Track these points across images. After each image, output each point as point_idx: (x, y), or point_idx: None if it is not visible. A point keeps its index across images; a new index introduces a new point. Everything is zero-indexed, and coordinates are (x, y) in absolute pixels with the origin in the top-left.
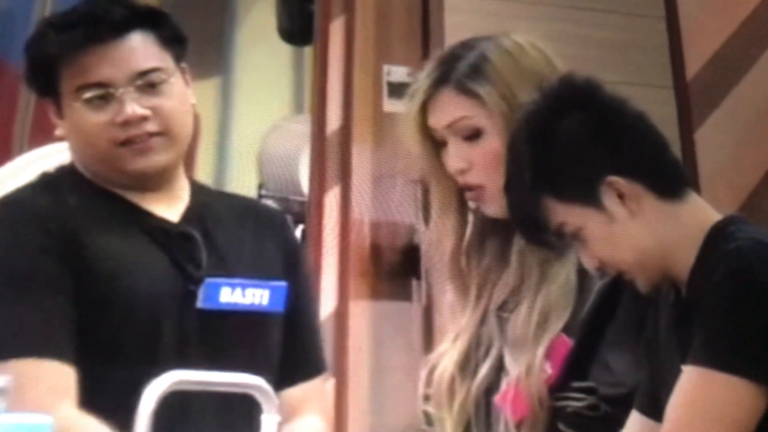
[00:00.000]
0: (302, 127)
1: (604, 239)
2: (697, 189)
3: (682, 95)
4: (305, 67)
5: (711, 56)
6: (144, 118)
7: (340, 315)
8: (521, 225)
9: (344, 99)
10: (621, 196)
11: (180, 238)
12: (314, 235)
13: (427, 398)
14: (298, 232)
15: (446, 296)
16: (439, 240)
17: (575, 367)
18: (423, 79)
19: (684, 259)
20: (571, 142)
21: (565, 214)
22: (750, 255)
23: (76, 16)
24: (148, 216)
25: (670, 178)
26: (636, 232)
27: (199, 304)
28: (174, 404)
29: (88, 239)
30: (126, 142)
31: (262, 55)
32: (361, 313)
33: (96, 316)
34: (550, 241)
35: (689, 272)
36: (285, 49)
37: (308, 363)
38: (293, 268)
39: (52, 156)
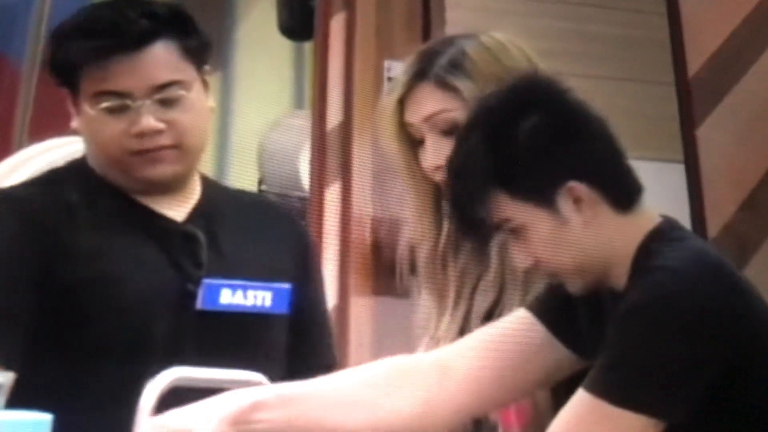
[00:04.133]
0: (303, 122)
1: (548, 241)
2: (699, 185)
3: (683, 92)
4: (306, 63)
5: (713, 53)
6: (159, 131)
7: (341, 311)
8: (458, 212)
9: (345, 95)
10: (577, 202)
11: (182, 238)
12: (315, 231)
13: None
14: None
15: (421, 300)
16: (413, 243)
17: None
18: (401, 74)
19: (621, 271)
20: (534, 140)
21: (513, 211)
22: (663, 287)
23: (102, 23)
24: (151, 214)
25: (627, 190)
26: (584, 240)
27: (199, 305)
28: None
29: (82, 238)
30: (138, 153)
31: (262, 50)
32: (362, 309)
33: (87, 316)
34: (482, 232)
35: (624, 290)
36: (285, 45)
37: (318, 361)
38: (303, 266)
39: (52, 151)
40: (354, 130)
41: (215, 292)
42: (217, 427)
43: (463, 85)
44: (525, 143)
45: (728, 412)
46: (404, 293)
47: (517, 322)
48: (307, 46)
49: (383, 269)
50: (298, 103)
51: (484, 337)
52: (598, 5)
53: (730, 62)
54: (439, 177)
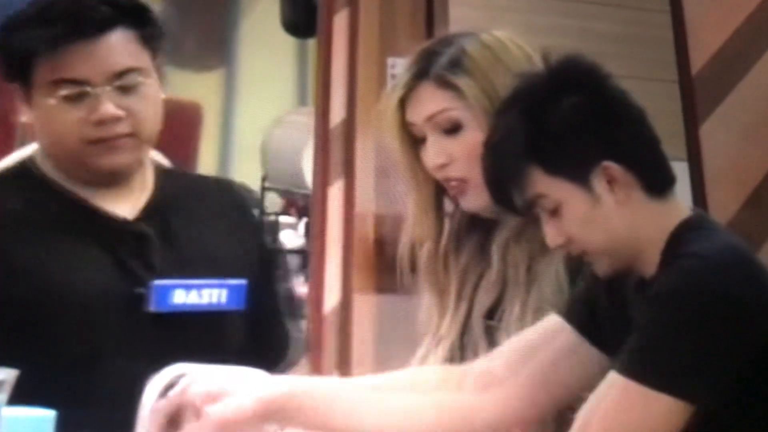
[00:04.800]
0: (306, 119)
1: (581, 220)
2: (702, 184)
3: (687, 90)
4: (309, 60)
5: (716, 51)
6: (118, 119)
7: (344, 308)
8: (494, 186)
9: (348, 91)
10: (611, 183)
11: (131, 238)
12: (318, 228)
13: None
14: (302, 225)
15: (423, 299)
16: (414, 243)
17: None
18: (402, 74)
19: (651, 258)
20: (573, 118)
21: (548, 187)
22: (696, 273)
23: (59, 11)
24: (98, 215)
25: (661, 177)
26: (616, 220)
27: (150, 306)
28: None
29: (23, 252)
30: (96, 141)
31: (265, 47)
32: (365, 306)
33: (37, 330)
34: (516, 207)
35: (653, 278)
36: (289, 42)
37: (273, 354)
38: (259, 255)
39: None
40: (357, 127)
41: (166, 293)
42: (256, 405)
43: (463, 83)
44: (564, 120)
45: (758, 398)
46: (407, 291)
47: (549, 326)
48: (311, 43)
49: (386, 267)
50: (302, 100)
51: (519, 344)
52: (602, 3)
53: (734, 60)
54: (441, 175)
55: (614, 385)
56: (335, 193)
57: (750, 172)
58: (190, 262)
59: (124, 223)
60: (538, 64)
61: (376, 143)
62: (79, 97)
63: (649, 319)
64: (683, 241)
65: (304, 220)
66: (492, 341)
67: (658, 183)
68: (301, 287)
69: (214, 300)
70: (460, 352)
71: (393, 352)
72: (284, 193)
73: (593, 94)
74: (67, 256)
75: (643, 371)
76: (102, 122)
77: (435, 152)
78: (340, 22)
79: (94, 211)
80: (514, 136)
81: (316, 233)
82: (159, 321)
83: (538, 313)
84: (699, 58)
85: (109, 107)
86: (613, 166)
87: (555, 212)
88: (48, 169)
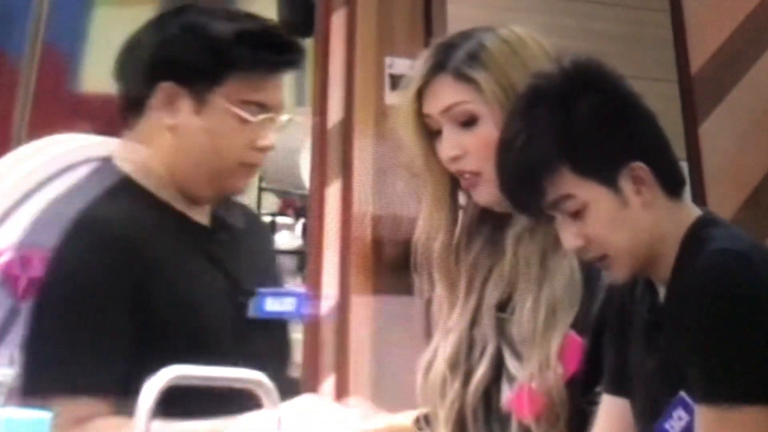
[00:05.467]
0: (303, 119)
1: (608, 221)
2: (701, 183)
3: (686, 89)
4: (306, 59)
5: (716, 50)
6: (271, 148)
7: (342, 309)
8: (514, 186)
9: (345, 91)
10: (637, 183)
11: (224, 248)
12: (315, 228)
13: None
14: (299, 226)
15: (435, 290)
16: (428, 235)
17: (596, 365)
18: (419, 66)
19: (666, 257)
20: (600, 118)
21: (577, 187)
22: (722, 269)
23: (278, 37)
24: (199, 228)
25: (678, 178)
26: (642, 222)
27: (250, 313)
28: None
29: (160, 261)
30: (250, 165)
31: None
32: (363, 307)
33: (168, 336)
34: (532, 209)
35: (669, 277)
36: None
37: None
38: (276, 269)
39: (50, 147)
40: (355, 127)
41: (262, 301)
42: None
43: (480, 76)
44: (591, 120)
45: None
46: (408, 291)
47: (604, 408)
48: (308, 42)
49: (384, 268)
50: (299, 100)
51: None
52: (601, 2)
53: (734, 60)
54: (455, 168)
55: (704, 419)
56: (333, 193)
57: (750, 171)
58: (250, 271)
59: (216, 234)
60: (556, 62)
61: (374, 143)
62: (265, 122)
63: (697, 331)
64: (702, 238)
65: (302, 220)
66: (502, 334)
67: (675, 184)
68: (298, 288)
69: (290, 307)
70: (469, 345)
71: (390, 353)
72: (281, 194)
73: (615, 94)
74: (188, 269)
75: (719, 392)
76: (264, 150)
77: (450, 144)
78: (338, 22)
79: (195, 224)
80: (542, 136)
81: (313, 234)
82: (253, 326)
83: (551, 309)
84: (699, 57)
85: (272, 137)
86: (641, 167)
87: (577, 214)
88: (150, 184)
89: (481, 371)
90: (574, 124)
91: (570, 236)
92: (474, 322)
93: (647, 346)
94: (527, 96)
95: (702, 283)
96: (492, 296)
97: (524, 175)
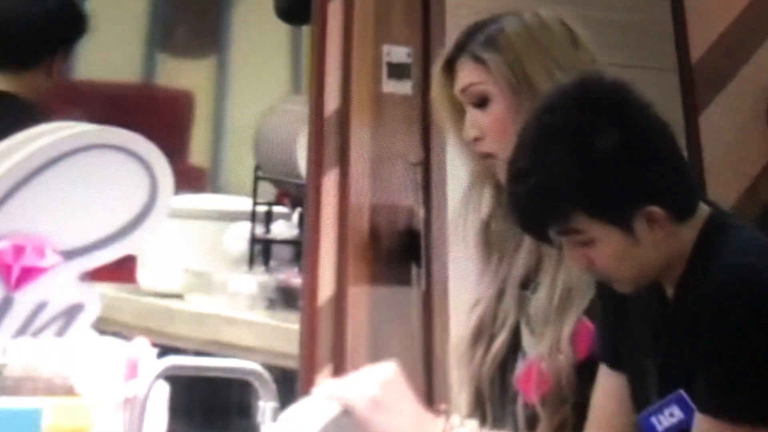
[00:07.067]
0: (300, 108)
1: (616, 256)
2: (701, 173)
3: (686, 78)
4: (303, 47)
5: (716, 39)
6: None
7: (339, 300)
8: (526, 221)
9: (343, 79)
10: (651, 223)
11: None
12: (312, 218)
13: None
14: (295, 216)
15: (472, 262)
16: (467, 208)
17: None
18: (447, 48)
19: (675, 266)
20: (618, 163)
21: (588, 226)
22: (737, 289)
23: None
24: None
25: (690, 203)
26: (650, 256)
27: None
28: None
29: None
30: None
31: (258, 34)
32: (360, 298)
33: None
34: (544, 237)
35: (680, 280)
36: (282, 29)
37: None
38: None
39: (39, 138)
40: (352, 115)
41: None
42: None
43: (490, 57)
44: (608, 163)
45: None
46: (403, 281)
47: (601, 380)
48: (305, 30)
49: (381, 258)
50: (295, 88)
51: (596, 410)
52: None
53: (734, 49)
54: (478, 149)
55: (701, 427)
56: (329, 182)
57: (750, 160)
58: None
59: None
60: (586, 48)
61: (371, 132)
62: None
63: (712, 343)
64: (715, 242)
65: (298, 210)
66: (522, 310)
67: (686, 211)
68: (295, 278)
69: None
70: (493, 314)
71: (388, 343)
72: (277, 183)
73: (634, 132)
74: None
75: (723, 408)
76: None
77: (469, 124)
78: (335, 9)
79: None
80: (556, 177)
81: (310, 224)
82: None
83: (566, 290)
84: (699, 46)
85: None
86: (656, 210)
87: (585, 243)
88: None
89: (500, 340)
90: (590, 167)
91: (575, 257)
92: (500, 296)
93: (647, 339)
94: (539, 120)
95: (721, 298)
96: (519, 269)
97: (535, 214)
